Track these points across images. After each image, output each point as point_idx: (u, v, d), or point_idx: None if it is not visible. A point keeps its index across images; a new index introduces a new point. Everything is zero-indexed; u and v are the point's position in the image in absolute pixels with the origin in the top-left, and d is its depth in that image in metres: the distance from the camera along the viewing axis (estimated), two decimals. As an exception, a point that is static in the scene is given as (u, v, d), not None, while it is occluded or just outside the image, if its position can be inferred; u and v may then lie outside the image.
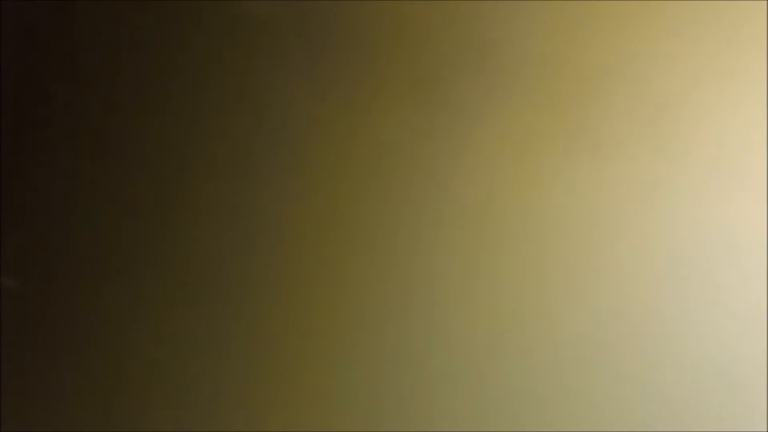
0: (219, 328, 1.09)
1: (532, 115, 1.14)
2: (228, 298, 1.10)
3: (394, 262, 1.12)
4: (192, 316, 1.09)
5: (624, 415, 1.08)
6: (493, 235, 1.13)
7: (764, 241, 1.12)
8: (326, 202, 1.12)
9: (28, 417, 1.05)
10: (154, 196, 1.08)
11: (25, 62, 0.90)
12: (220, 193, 1.10)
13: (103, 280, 1.10)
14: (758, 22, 1.17)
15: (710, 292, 1.11)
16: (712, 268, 1.11)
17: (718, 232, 1.12)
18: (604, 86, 1.16)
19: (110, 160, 1.07)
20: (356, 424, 1.08)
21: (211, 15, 1.08)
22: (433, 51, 1.13)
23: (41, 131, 1.01)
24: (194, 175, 1.10)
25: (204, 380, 1.07)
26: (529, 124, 1.15)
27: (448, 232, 1.13)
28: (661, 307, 1.11)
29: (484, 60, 1.13)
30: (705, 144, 1.14)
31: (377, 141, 1.12)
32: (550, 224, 1.13)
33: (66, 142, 1.04)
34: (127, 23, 1.02)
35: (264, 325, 1.09)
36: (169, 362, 1.07)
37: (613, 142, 1.15)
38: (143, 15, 1.00)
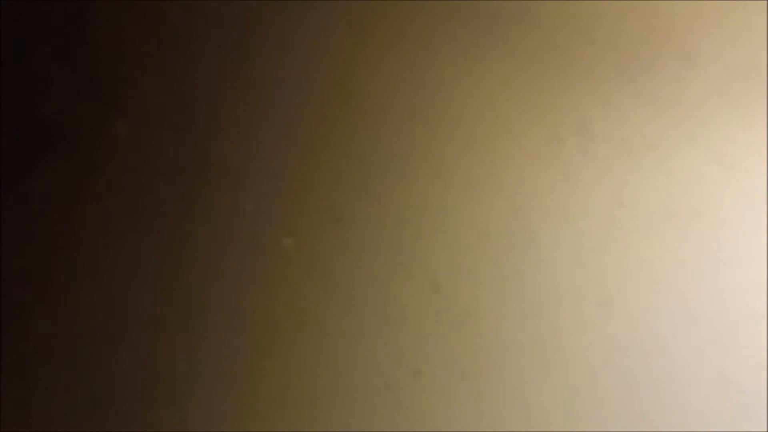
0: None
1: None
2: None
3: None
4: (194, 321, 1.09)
5: (624, 415, 1.08)
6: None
7: (764, 244, 1.12)
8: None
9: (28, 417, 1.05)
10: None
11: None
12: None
13: (100, 281, 1.10)
14: (758, 22, 1.17)
15: (711, 292, 1.11)
16: (712, 270, 1.12)
17: (719, 238, 1.13)
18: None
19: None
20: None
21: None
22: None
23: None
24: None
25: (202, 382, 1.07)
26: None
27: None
28: (660, 307, 1.11)
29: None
30: (706, 142, 1.14)
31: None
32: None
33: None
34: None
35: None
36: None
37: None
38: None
